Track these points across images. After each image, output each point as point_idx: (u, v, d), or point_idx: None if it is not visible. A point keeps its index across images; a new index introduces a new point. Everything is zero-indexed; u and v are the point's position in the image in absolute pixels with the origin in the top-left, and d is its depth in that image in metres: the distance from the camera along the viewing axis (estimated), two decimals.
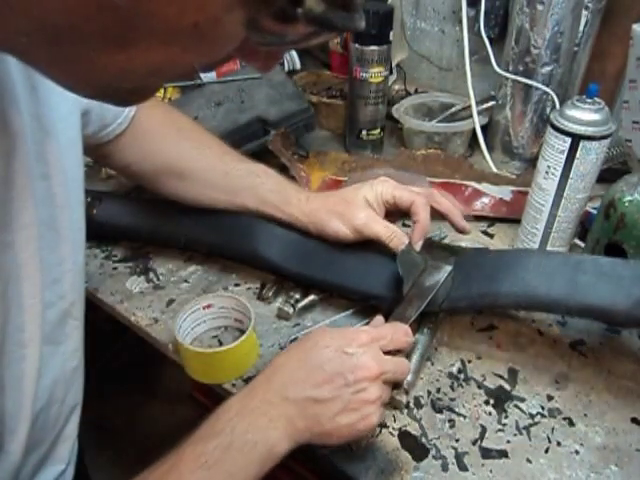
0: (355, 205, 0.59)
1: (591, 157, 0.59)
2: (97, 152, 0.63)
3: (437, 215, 0.61)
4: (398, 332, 0.46)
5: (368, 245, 0.60)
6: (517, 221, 0.72)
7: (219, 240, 0.66)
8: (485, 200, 0.77)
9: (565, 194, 0.62)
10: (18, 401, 0.41)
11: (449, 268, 0.57)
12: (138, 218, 0.70)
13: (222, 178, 0.63)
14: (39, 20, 0.23)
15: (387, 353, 0.44)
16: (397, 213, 0.61)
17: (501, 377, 0.55)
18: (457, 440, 0.49)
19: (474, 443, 0.49)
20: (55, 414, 0.48)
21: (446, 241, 0.72)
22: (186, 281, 0.67)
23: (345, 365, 0.41)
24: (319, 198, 0.62)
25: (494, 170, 0.87)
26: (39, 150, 0.40)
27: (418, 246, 0.58)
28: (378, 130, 0.91)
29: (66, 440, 0.51)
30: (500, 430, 0.50)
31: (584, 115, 0.58)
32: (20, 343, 0.39)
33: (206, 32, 0.24)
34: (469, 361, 0.57)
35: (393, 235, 0.57)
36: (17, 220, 0.36)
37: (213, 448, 0.38)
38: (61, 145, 0.43)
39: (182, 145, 0.64)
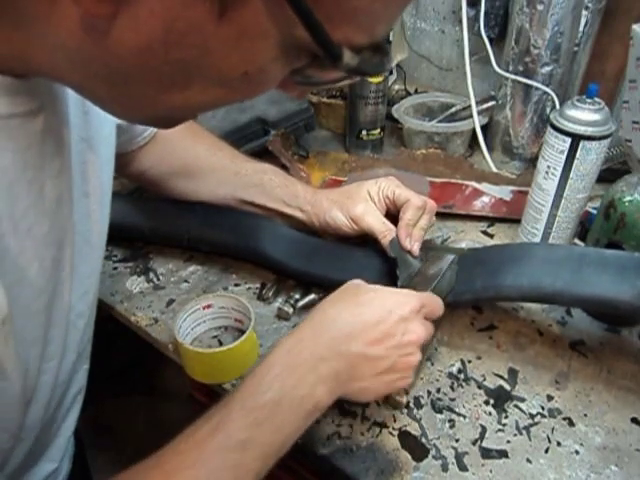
0: (357, 198, 0.61)
1: (591, 157, 0.59)
2: (115, 162, 0.64)
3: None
4: (437, 303, 0.47)
5: (371, 243, 0.60)
6: (517, 221, 0.72)
7: (223, 238, 0.66)
8: (485, 200, 0.77)
9: (565, 194, 0.62)
10: (35, 412, 0.41)
11: (451, 257, 0.57)
12: (141, 217, 0.70)
13: (233, 177, 0.66)
14: (112, 67, 0.26)
15: None
16: (397, 214, 0.62)
17: (501, 377, 0.55)
18: (457, 440, 0.49)
19: (474, 443, 0.49)
20: (57, 416, 0.48)
21: (448, 243, 0.72)
22: (186, 281, 0.67)
23: (399, 327, 0.42)
24: (323, 191, 0.65)
25: (494, 170, 0.87)
26: (83, 170, 0.41)
27: (407, 243, 0.57)
28: (378, 130, 0.91)
29: (60, 438, 0.51)
30: (500, 430, 0.50)
31: (584, 115, 0.58)
32: (46, 356, 0.40)
33: (254, 78, 0.28)
34: (469, 361, 0.57)
35: (387, 232, 0.59)
36: (65, 239, 0.38)
37: (262, 405, 0.38)
38: (102, 163, 0.45)
39: (197, 148, 0.68)
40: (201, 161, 0.67)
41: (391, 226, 0.59)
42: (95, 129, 0.43)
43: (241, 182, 0.66)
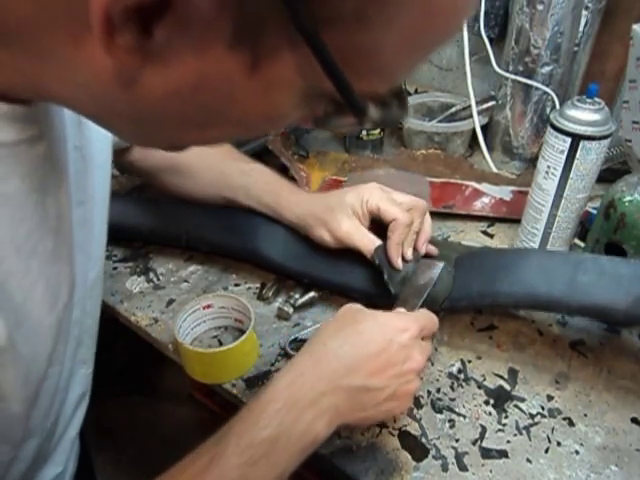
0: (339, 213, 0.59)
1: (591, 157, 0.59)
2: None
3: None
4: (433, 321, 0.47)
5: None
6: (517, 221, 0.72)
7: (221, 239, 0.66)
8: (485, 200, 0.77)
9: (565, 194, 0.62)
10: (37, 419, 0.41)
11: (441, 265, 0.57)
12: (140, 218, 0.70)
13: (219, 176, 0.66)
14: (136, 108, 0.27)
15: None
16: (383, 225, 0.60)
17: (501, 377, 0.55)
18: (457, 440, 0.49)
19: (474, 443, 0.49)
20: (60, 421, 0.48)
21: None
22: (186, 281, 0.67)
23: (399, 356, 0.42)
24: (307, 202, 0.62)
25: (494, 170, 0.87)
26: (78, 179, 0.41)
27: (398, 263, 0.56)
28: (378, 130, 0.91)
29: (64, 442, 0.51)
30: (500, 430, 0.50)
31: (584, 115, 0.58)
32: (51, 363, 0.39)
33: (274, 121, 0.28)
34: (469, 361, 0.57)
35: (377, 246, 0.57)
36: (68, 252, 0.38)
37: (259, 442, 0.37)
38: (95, 171, 0.44)
39: None
40: (189, 159, 0.66)
41: (378, 240, 0.58)
42: (88, 137, 0.43)
43: (226, 182, 0.65)
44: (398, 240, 0.57)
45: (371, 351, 0.41)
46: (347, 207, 0.59)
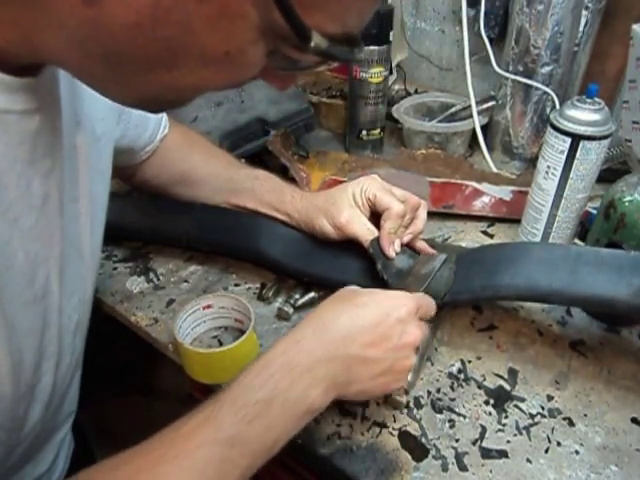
0: (341, 203, 0.60)
1: (591, 157, 0.59)
2: (120, 173, 0.69)
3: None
4: (431, 303, 0.47)
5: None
6: (517, 221, 0.72)
7: (221, 239, 0.67)
8: (485, 200, 0.77)
9: (565, 194, 0.62)
10: (36, 413, 0.41)
11: (443, 256, 0.57)
12: (140, 218, 0.70)
13: (226, 183, 0.68)
14: (107, 45, 0.28)
15: None
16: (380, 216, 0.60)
17: (501, 377, 0.55)
18: (457, 440, 0.49)
19: (474, 443, 0.49)
20: (55, 422, 0.48)
21: (447, 243, 0.72)
22: (186, 281, 0.67)
23: (395, 330, 0.42)
24: (311, 196, 0.64)
25: (494, 170, 0.87)
26: (73, 176, 0.43)
27: (391, 252, 0.57)
28: (378, 130, 0.91)
29: (51, 444, 0.52)
30: (500, 430, 0.50)
31: (584, 115, 0.58)
32: (45, 355, 0.40)
33: (234, 59, 0.29)
34: (469, 361, 0.57)
35: (372, 238, 0.58)
36: (52, 237, 0.39)
37: (254, 403, 0.38)
38: (93, 173, 0.46)
39: (193, 157, 0.70)
40: (197, 169, 0.69)
41: (375, 231, 0.58)
42: (86, 139, 0.44)
43: (233, 187, 0.68)
44: (390, 229, 0.57)
45: (368, 322, 0.42)
46: (348, 197, 0.60)
